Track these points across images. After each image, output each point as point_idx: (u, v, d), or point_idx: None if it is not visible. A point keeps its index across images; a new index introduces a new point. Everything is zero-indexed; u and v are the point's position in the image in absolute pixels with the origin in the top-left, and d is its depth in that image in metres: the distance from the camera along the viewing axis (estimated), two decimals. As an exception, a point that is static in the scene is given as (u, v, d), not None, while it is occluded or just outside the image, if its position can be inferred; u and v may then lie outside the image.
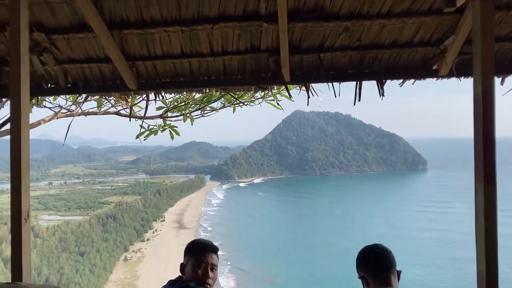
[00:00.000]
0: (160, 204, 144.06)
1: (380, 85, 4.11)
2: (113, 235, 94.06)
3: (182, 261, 2.81)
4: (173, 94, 4.73)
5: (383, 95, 4.06)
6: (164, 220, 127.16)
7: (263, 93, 5.03)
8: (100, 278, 71.01)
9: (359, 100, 4.20)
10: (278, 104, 5.34)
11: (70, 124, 5.13)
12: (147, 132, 6.01)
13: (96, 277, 70.49)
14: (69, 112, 5.31)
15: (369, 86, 4.24)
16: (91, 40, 3.89)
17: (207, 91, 4.63)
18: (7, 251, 77.43)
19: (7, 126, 4.63)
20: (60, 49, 3.98)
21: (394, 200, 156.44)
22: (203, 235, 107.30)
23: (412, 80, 4.24)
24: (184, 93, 5.14)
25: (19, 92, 3.07)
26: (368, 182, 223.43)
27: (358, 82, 4.09)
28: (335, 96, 4.20)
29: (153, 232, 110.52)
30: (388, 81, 4.19)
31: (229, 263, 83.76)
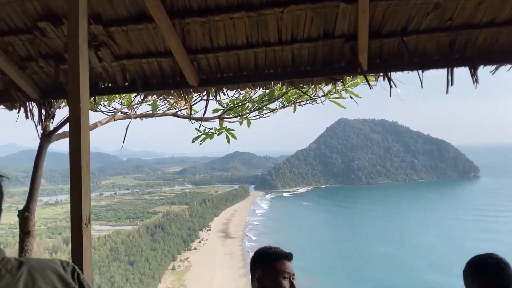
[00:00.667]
0: (205, 213, 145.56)
1: (474, 71, 3.57)
2: (161, 245, 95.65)
3: (257, 274, 2.45)
4: (234, 90, 4.36)
5: (477, 82, 3.53)
6: (210, 230, 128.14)
7: (331, 87, 4.59)
8: (149, 287, 72.18)
9: (447, 92, 3.68)
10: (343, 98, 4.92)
11: (128, 126, 4.91)
12: (203, 136, 5.80)
13: (145, 285, 71.73)
14: (125, 115, 5.09)
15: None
16: (151, 31, 3.60)
17: (272, 85, 4.23)
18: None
19: (64, 129, 4.46)
20: (118, 43, 3.73)
21: (446, 209, 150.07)
22: (248, 245, 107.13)
23: (507, 66, 3.66)
24: (244, 91, 4.81)
25: (78, 91, 2.79)
26: (417, 190, 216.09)
27: (449, 70, 3.56)
28: (422, 87, 3.71)
29: (200, 242, 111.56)
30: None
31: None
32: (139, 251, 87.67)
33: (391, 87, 3.65)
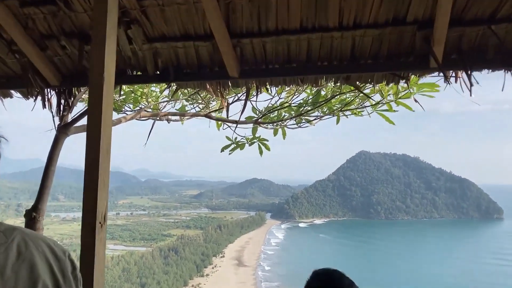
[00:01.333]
0: (220, 239, 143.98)
1: None
2: (173, 268, 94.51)
3: None
4: (278, 86, 3.80)
5: None
6: (223, 256, 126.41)
7: (392, 88, 4.00)
8: (159, 311, 70.95)
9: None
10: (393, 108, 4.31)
11: (153, 124, 4.41)
12: (233, 146, 5.29)
13: (155, 309, 70.51)
14: (152, 113, 4.60)
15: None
16: (191, 8, 3.09)
17: (324, 82, 3.65)
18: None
19: (83, 121, 3.98)
20: (152, 21, 3.22)
21: (468, 251, 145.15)
22: (261, 275, 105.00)
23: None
24: (289, 87, 4.27)
25: (102, 78, 2.32)
26: (438, 229, 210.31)
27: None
28: (502, 90, 3.11)
29: (213, 268, 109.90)
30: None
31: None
32: (151, 274, 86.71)
33: (471, 85, 3.04)
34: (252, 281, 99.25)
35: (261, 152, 5.29)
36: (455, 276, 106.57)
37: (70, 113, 3.96)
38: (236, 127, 4.77)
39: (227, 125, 5.07)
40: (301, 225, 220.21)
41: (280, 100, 5.16)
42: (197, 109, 5.36)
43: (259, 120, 5.10)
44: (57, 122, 3.84)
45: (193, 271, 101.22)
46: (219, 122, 5.23)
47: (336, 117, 5.00)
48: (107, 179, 2.38)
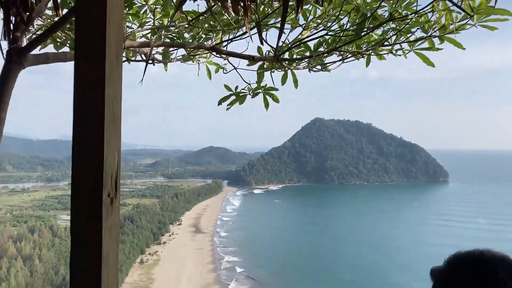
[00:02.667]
0: (177, 207, 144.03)
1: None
2: (130, 237, 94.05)
3: None
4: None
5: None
6: (181, 224, 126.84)
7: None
8: (115, 280, 70.78)
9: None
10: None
11: (146, 67, 3.66)
12: (233, 98, 4.17)
13: (112, 278, 70.26)
14: (140, 42, 3.68)
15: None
16: None
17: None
18: (26, 249, 78.00)
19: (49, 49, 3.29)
20: None
21: (415, 212, 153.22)
22: (218, 241, 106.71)
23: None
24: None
25: None
26: (388, 192, 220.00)
27: None
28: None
29: (170, 236, 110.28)
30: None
31: (243, 270, 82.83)
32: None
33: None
34: (209, 247, 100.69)
35: (266, 105, 4.28)
36: (402, 237, 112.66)
37: (26, 34, 2.86)
38: (253, 59, 3.81)
39: (223, 68, 4.13)
40: (257, 191, 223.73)
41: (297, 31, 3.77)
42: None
43: (282, 56, 3.83)
44: (5, 47, 2.62)
45: (150, 239, 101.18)
46: (214, 67, 4.13)
47: (366, 58, 3.81)
48: (119, 123, 1.38)
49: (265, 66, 3.97)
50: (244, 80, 3.99)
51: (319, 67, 3.99)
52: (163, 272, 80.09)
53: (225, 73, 4.12)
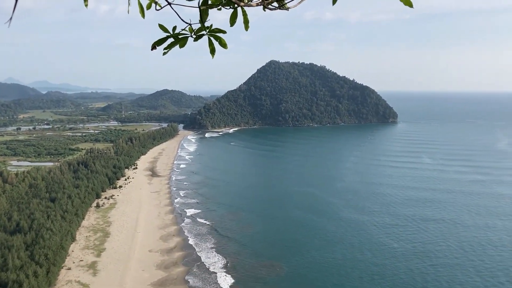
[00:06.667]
0: (132, 152, 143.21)
1: None
2: (84, 182, 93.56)
3: None
4: None
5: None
6: (136, 168, 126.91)
7: None
8: (72, 224, 71.14)
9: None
10: None
11: None
12: (172, 40, 3.58)
13: (68, 222, 70.55)
14: None
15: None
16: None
17: None
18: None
19: None
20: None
21: (363, 153, 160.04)
22: (175, 183, 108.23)
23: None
24: None
25: None
26: (340, 133, 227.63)
27: None
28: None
29: (126, 180, 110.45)
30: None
31: (201, 210, 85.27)
32: (61, 188, 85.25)
33: None
34: (166, 189, 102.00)
35: (212, 51, 3.75)
36: (350, 176, 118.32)
37: None
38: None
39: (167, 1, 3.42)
40: (213, 134, 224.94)
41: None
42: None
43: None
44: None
45: (105, 183, 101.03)
46: (147, 2, 3.49)
47: None
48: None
49: (209, 1, 3.46)
50: (181, 19, 3.41)
51: (275, 4, 3.49)
52: (120, 215, 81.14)
53: (157, 9, 3.49)
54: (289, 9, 3.53)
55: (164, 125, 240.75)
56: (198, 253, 64.01)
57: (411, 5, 3.38)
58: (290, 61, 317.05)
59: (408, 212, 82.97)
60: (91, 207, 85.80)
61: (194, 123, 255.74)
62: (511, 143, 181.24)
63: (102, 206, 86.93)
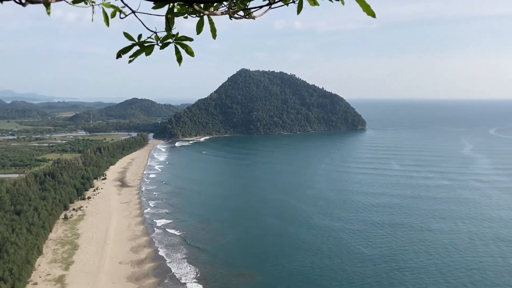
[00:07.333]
0: (101, 162, 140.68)
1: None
2: (51, 193, 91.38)
3: None
4: None
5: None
6: (105, 178, 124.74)
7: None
8: (38, 237, 69.36)
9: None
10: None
11: None
12: (137, 48, 3.56)
13: (34, 236, 68.74)
14: None
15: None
16: None
17: None
18: None
19: None
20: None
21: (333, 160, 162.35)
22: (145, 194, 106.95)
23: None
24: None
25: None
26: (310, 141, 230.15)
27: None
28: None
29: (94, 190, 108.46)
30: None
31: (172, 220, 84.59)
32: (27, 200, 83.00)
33: None
34: (137, 200, 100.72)
35: (179, 59, 3.71)
36: (321, 184, 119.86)
37: None
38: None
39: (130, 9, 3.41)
40: (184, 143, 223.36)
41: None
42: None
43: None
44: None
45: (73, 194, 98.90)
46: (111, 10, 3.46)
47: (297, 3, 3.44)
48: None
49: (175, 10, 3.39)
50: (146, 27, 3.40)
51: (241, 13, 3.43)
52: (89, 227, 79.63)
53: (122, 18, 3.43)
54: (255, 18, 3.50)
55: (134, 134, 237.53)
56: (169, 264, 63.58)
57: (373, 15, 3.38)
58: (261, 70, 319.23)
59: (377, 218, 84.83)
60: (59, 219, 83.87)
61: (165, 132, 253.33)
62: (473, 149, 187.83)
63: (70, 218, 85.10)
